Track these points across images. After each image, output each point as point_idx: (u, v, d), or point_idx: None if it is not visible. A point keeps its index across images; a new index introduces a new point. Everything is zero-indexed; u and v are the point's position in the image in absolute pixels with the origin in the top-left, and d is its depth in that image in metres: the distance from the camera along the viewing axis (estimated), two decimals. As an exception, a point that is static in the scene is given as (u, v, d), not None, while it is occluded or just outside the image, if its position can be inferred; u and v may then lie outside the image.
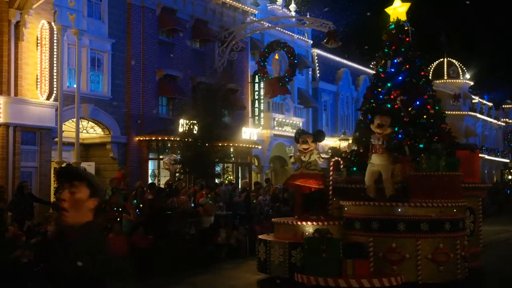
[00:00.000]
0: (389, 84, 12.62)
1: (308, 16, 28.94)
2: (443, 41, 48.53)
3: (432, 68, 50.03)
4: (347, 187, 11.71)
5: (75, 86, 18.66)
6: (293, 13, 32.61)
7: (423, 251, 10.12)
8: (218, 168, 23.12)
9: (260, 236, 12.05)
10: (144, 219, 13.95)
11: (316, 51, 35.37)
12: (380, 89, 12.80)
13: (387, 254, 10.18)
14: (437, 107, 12.64)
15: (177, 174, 20.85)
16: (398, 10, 13.33)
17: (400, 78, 12.59)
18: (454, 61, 49.68)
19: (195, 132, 20.37)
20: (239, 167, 26.90)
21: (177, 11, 24.94)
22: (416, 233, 10.13)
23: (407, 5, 13.35)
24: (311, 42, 34.90)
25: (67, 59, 19.62)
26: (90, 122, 21.81)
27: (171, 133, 22.65)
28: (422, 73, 13.00)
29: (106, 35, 21.88)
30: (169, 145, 23.23)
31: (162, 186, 19.20)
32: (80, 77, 19.65)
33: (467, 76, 50.10)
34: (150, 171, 23.37)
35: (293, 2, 33.55)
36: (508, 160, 57.79)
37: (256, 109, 29.43)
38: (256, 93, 29.51)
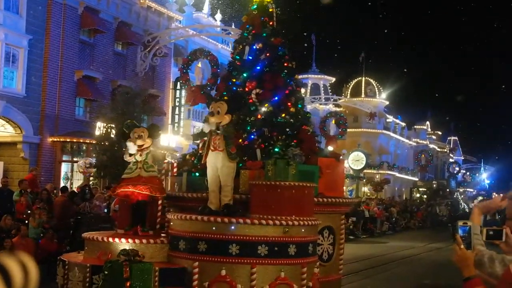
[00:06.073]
0: (245, 74, 10.54)
1: (233, 27, 29.10)
2: (361, 60, 50.24)
3: (351, 86, 51.67)
4: (184, 196, 9.41)
5: (-14, 81, 17.85)
6: (218, 23, 32.71)
7: (259, 281, 8.02)
8: (134, 174, 22.72)
9: (62, 256, 9.21)
10: (54, 223, 13.50)
11: (239, 62, 35.57)
12: (234, 80, 10.73)
13: (214, 283, 8.07)
14: (299, 105, 10.57)
15: (91, 178, 20.32)
16: None
17: (258, 67, 10.49)
18: (371, 80, 51.51)
19: (112, 136, 19.93)
20: (156, 173, 26.56)
21: (101, 11, 24.41)
22: (251, 258, 8.01)
23: None
24: (235, 52, 35.08)
25: (-20, 52, 18.78)
26: (1, 120, 20.89)
27: (87, 136, 22.06)
28: (286, 64, 10.70)
29: (24, 31, 21.07)
30: (84, 147, 22.63)
31: (74, 189, 18.64)
32: (-7, 72, 18.83)
33: (383, 95, 52.06)
34: (63, 174, 22.64)
35: (218, 11, 33.66)
36: (417, 179, 60.28)
37: (176, 116, 29.21)
38: (177, 100, 29.31)
